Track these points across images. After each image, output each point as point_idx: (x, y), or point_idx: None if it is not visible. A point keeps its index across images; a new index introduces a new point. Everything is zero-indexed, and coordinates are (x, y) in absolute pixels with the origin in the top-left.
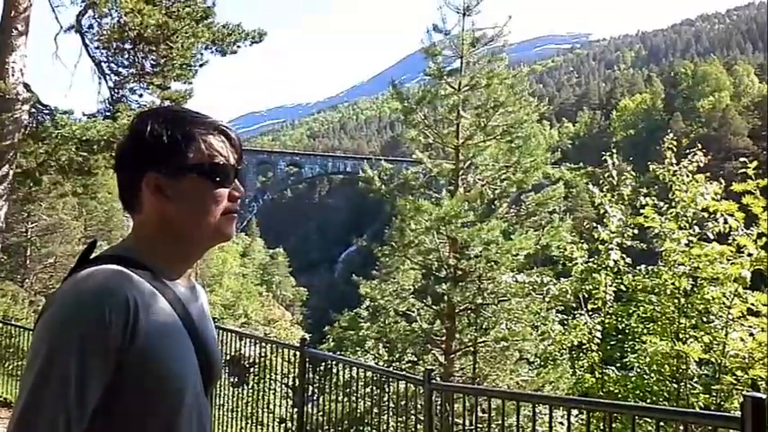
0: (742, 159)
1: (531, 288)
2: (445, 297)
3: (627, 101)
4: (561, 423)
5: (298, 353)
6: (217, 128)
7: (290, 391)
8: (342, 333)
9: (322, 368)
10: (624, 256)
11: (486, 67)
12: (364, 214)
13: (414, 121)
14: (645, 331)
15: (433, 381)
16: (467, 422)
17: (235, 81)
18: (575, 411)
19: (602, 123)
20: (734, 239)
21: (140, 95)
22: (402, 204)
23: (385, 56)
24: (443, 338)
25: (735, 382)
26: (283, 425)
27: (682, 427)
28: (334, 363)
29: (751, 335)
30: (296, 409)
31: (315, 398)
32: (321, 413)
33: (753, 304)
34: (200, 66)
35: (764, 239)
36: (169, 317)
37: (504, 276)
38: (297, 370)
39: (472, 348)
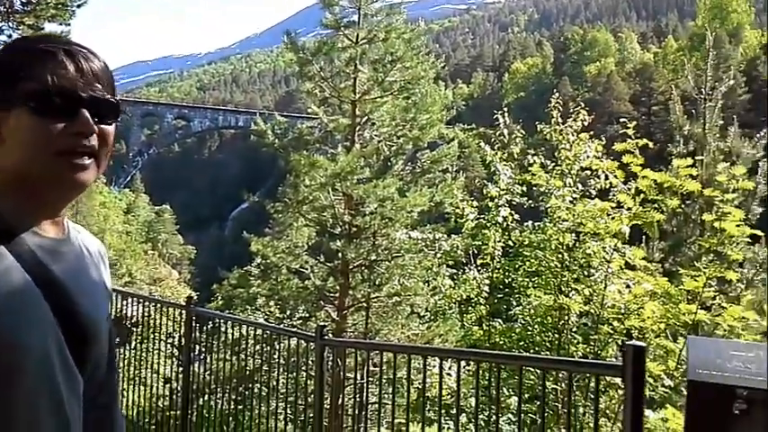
0: (622, 120)
1: (424, 244)
2: (339, 254)
3: (519, 64)
4: (449, 374)
5: (183, 312)
6: (60, 50)
7: (176, 350)
8: (231, 291)
9: (209, 327)
10: (513, 212)
11: (384, 21)
12: (257, 170)
13: (309, 73)
14: (530, 285)
15: (325, 337)
16: (358, 376)
17: (119, 27)
18: (464, 363)
19: (494, 85)
20: (614, 196)
21: (9, 36)
22: (296, 159)
23: (281, 7)
24: (336, 295)
25: (611, 331)
26: (168, 385)
27: (565, 375)
28: (222, 321)
29: (627, 287)
30: (182, 369)
31: (202, 357)
32: (208, 372)
33: (630, 258)
34: (78, 6)
35: (642, 196)
36: (9, 271)
37: (398, 233)
38: (183, 329)
39: (365, 304)
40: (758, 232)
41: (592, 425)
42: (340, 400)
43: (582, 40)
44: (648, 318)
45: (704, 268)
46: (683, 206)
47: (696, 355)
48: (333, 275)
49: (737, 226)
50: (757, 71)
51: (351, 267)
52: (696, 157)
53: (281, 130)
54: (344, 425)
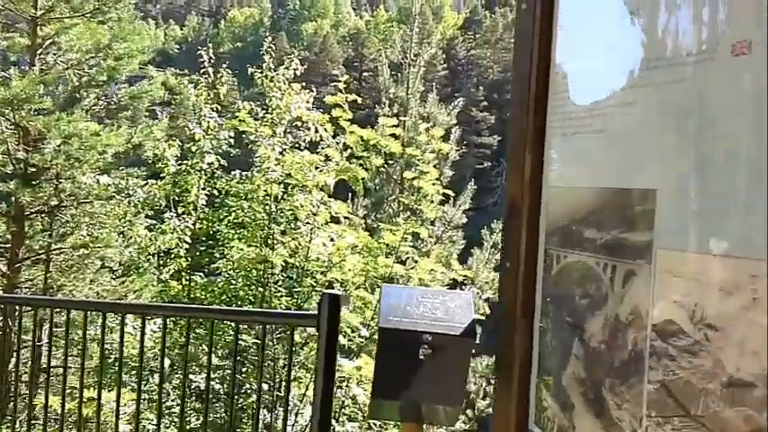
0: (334, 72)
1: (116, 190)
2: (11, 197)
3: (236, 12)
4: (131, 334)
5: None
6: None
7: None
8: None
9: None
10: (219, 158)
11: None
12: None
13: None
14: (235, 237)
15: None
16: (37, 337)
17: None
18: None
19: (210, 31)
20: (323, 149)
21: None
22: None
23: None
24: (8, 246)
25: (314, 284)
26: None
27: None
28: None
29: (332, 240)
30: None
31: None
32: None
33: (335, 212)
34: None
35: (349, 151)
36: None
37: (85, 177)
38: None
39: (44, 256)
40: (450, 192)
41: (286, 376)
42: (11, 365)
43: None
44: (350, 270)
45: (402, 224)
46: (385, 165)
47: (388, 303)
48: (4, 223)
49: (433, 184)
50: (455, 50)
51: (27, 214)
52: (399, 119)
53: None
54: (18, 393)
